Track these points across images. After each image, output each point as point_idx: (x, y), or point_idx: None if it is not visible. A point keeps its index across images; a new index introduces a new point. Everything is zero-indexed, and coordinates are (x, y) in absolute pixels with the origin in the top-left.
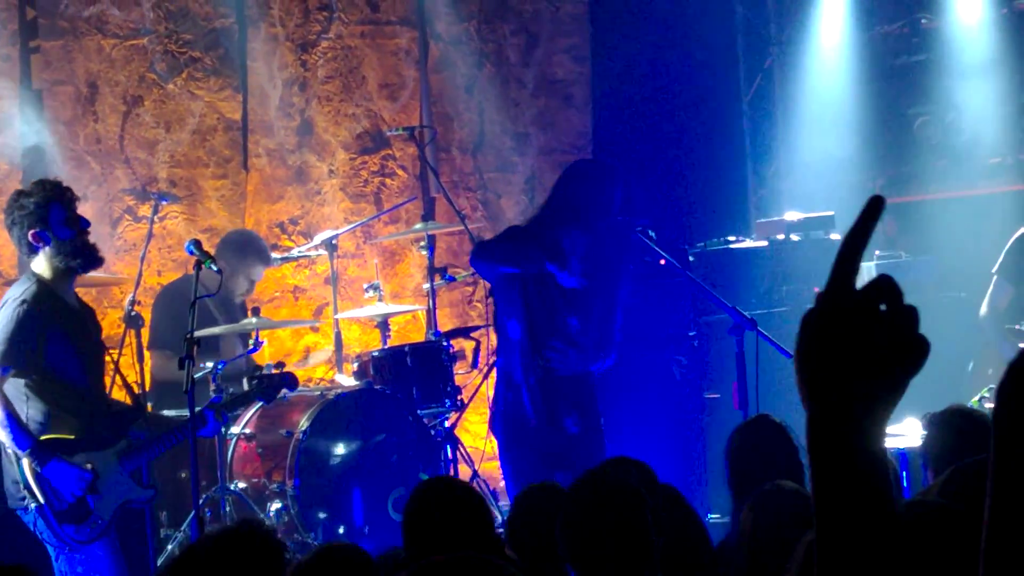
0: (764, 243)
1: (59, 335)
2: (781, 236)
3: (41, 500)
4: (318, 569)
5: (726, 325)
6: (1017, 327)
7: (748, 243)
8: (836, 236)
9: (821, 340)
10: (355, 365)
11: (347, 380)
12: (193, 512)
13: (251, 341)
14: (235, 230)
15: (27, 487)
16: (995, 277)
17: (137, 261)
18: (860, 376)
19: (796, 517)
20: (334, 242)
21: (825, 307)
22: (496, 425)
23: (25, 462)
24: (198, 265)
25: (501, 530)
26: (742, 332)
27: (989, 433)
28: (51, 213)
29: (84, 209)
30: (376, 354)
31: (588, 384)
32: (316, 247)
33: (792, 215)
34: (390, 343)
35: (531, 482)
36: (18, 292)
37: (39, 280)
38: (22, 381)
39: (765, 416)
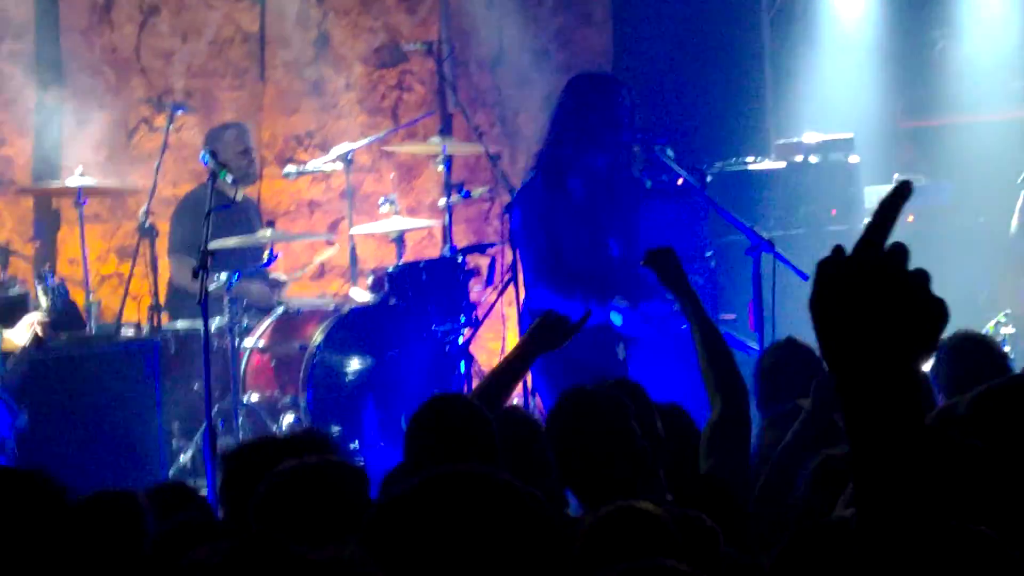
0: (782, 164)
1: None
2: (799, 158)
3: None
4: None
5: (743, 246)
6: None
7: (766, 164)
8: (855, 158)
9: (845, 293)
10: (370, 280)
11: (362, 295)
12: (205, 423)
13: (266, 253)
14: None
15: None
16: (1023, 190)
17: (152, 172)
18: (887, 331)
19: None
20: (350, 156)
21: (853, 260)
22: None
23: None
24: (212, 176)
25: None
26: (759, 253)
27: (1000, 358)
28: None
29: (99, 119)
30: (391, 269)
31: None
32: (332, 161)
33: (811, 136)
34: (405, 259)
35: None
36: None
37: None
38: None
39: (792, 339)
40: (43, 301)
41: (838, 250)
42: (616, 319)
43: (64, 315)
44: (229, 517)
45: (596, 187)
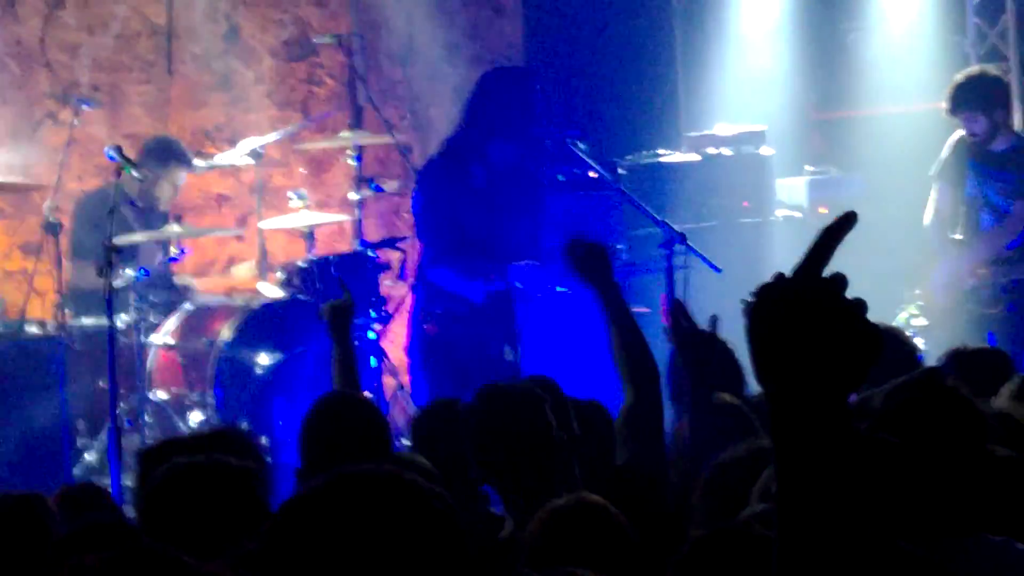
0: (695, 157)
1: None
2: (712, 150)
3: None
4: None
5: (656, 239)
6: (957, 236)
7: (678, 156)
8: (767, 151)
9: (784, 319)
10: (280, 275)
11: (272, 290)
12: (111, 422)
13: (173, 249)
14: (153, 137)
15: None
16: (935, 183)
17: (57, 167)
18: (824, 360)
19: (731, 429)
20: (260, 150)
21: (792, 287)
22: (415, 352)
23: None
24: (118, 171)
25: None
26: (672, 246)
27: (910, 350)
28: None
29: (3, 113)
30: (301, 264)
31: (513, 306)
32: (241, 155)
33: (723, 128)
34: (315, 253)
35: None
36: None
37: None
38: None
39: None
40: None
41: (779, 276)
42: (518, 282)
43: None
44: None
45: (499, 176)
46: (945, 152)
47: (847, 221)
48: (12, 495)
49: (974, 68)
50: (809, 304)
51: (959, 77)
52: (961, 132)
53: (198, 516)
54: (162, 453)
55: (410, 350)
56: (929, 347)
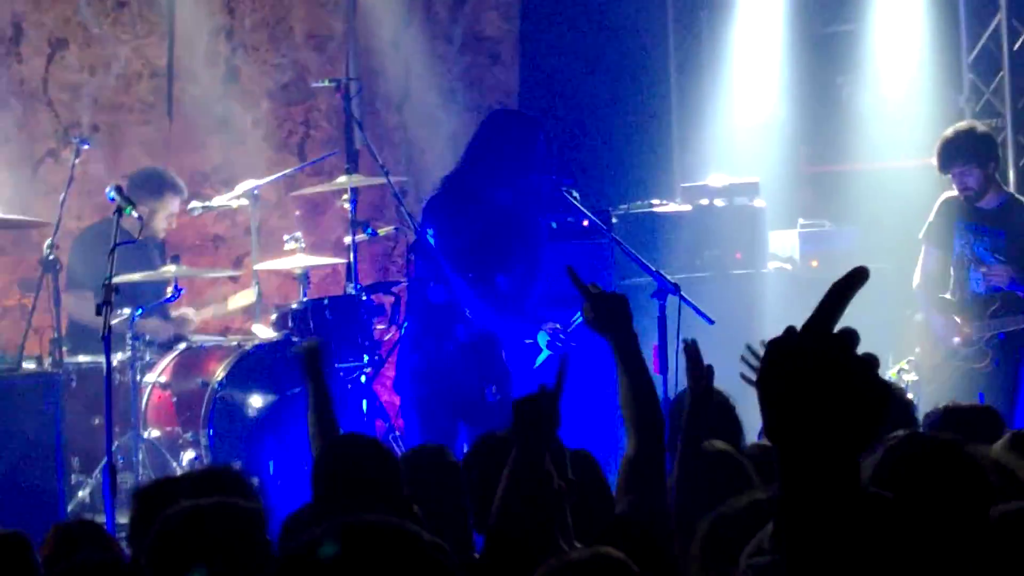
0: (688, 207)
1: None
2: (705, 201)
3: None
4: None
5: (648, 289)
6: (947, 296)
7: (672, 207)
8: (760, 202)
9: (797, 375)
10: (274, 316)
11: (265, 331)
12: (106, 459)
13: (169, 289)
14: (141, 170)
15: None
16: (923, 245)
17: (57, 205)
18: (837, 416)
19: (723, 476)
20: (256, 192)
21: (804, 342)
22: (404, 385)
23: None
24: (119, 211)
25: None
26: (665, 296)
27: (904, 405)
28: None
29: (5, 151)
30: (295, 306)
31: (499, 348)
32: (238, 197)
33: (716, 179)
34: (309, 296)
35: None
36: None
37: None
38: None
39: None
40: None
41: (790, 330)
42: (542, 340)
43: None
44: (136, 555)
45: (494, 221)
46: (932, 215)
47: (858, 277)
48: None
49: (963, 123)
50: (821, 360)
51: (949, 132)
52: (949, 193)
53: (208, 557)
54: (158, 492)
55: (397, 383)
56: (919, 403)
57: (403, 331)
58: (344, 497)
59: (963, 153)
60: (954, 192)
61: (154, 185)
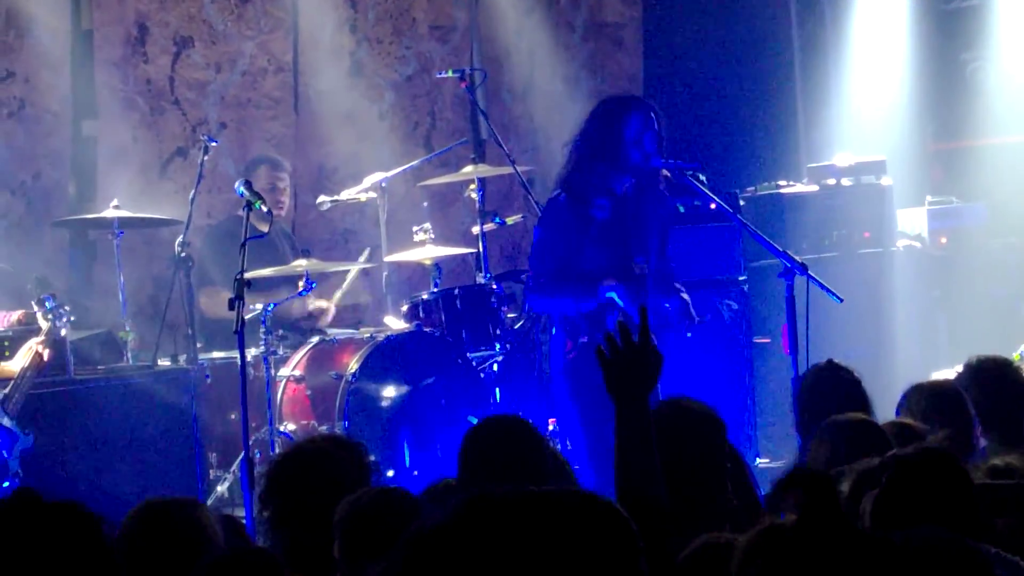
0: (815, 188)
1: None
2: (832, 181)
3: None
4: (372, 513)
5: (776, 269)
6: None
7: (798, 187)
8: (887, 181)
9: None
10: (405, 308)
11: (397, 323)
12: (243, 454)
13: (301, 283)
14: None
15: None
16: None
17: (187, 203)
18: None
19: (861, 444)
20: (384, 185)
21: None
22: (561, 381)
23: None
24: (248, 206)
25: None
26: (792, 276)
27: (1018, 384)
28: None
29: (134, 150)
30: (426, 297)
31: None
32: (366, 190)
33: (843, 158)
34: (440, 287)
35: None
36: None
37: None
38: None
39: (833, 361)
40: (43, 325)
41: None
42: (615, 298)
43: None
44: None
45: (622, 207)
46: None
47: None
48: (177, 499)
49: None
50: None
51: None
52: None
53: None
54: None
55: (555, 383)
56: None
57: (552, 329)
58: (489, 472)
59: None
60: None
61: (248, 170)
